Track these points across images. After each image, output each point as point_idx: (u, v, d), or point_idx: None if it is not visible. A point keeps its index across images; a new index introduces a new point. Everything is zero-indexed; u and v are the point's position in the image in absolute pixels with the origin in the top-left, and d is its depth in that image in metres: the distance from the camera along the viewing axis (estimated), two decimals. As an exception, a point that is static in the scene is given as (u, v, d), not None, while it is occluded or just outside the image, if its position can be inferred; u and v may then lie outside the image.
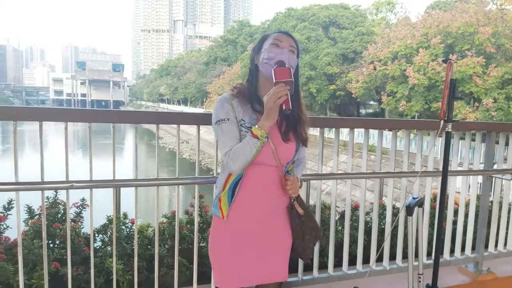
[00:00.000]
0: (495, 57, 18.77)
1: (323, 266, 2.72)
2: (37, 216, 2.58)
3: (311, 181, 2.61)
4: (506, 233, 3.19)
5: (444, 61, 1.88)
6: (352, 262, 2.75)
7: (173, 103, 67.63)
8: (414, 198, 1.98)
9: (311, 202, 3.27)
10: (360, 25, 29.63)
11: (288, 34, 1.75)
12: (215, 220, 1.77)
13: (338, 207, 2.80)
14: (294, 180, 1.73)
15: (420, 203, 2.02)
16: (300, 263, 2.52)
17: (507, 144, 3.11)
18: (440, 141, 2.89)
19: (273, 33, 1.75)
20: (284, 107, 1.53)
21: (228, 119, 1.64)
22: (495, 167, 3.17)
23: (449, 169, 2.27)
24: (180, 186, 2.23)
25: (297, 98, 1.72)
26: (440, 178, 2.52)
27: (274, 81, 1.54)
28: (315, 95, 28.10)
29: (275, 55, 1.63)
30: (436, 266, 2.13)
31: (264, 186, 1.70)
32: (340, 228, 3.11)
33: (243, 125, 1.64)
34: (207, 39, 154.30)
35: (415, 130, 2.96)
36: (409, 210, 1.99)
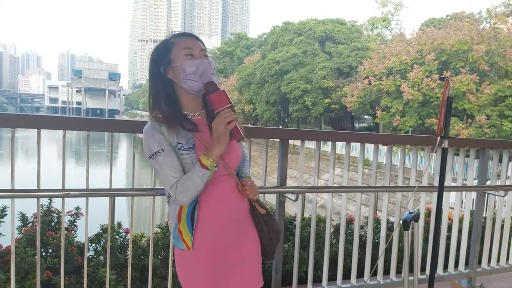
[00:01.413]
0: (488, 74, 19.02)
1: (317, 280, 2.72)
2: (30, 224, 2.56)
3: (306, 194, 2.62)
4: (499, 249, 3.21)
5: (441, 79, 1.91)
6: (346, 276, 2.74)
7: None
8: (410, 213, 1.99)
9: (306, 215, 3.28)
10: (356, 40, 29.97)
11: (193, 36, 1.61)
12: (179, 254, 1.60)
13: (333, 220, 2.81)
14: (251, 182, 1.63)
15: (416, 218, 2.03)
16: (294, 277, 2.51)
17: (500, 160, 3.15)
18: (434, 157, 2.92)
19: (175, 39, 1.58)
20: (237, 137, 1.47)
21: (162, 150, 1.48)
22: (488, 183, 3.20)
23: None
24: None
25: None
26: (433, 193, 2.54)
27: (215, 111, 1.45)
28: (310, 108, 28.28)
29: (196, 69, 1.51)
30: (431, 281, 2.13)
31: (224, 199, 1.58)
32: (334, 241, 3.11)
33: (181, 148, 1.50)
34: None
35: (409, 145, 2.99)
36: (406, 224, 1.99)
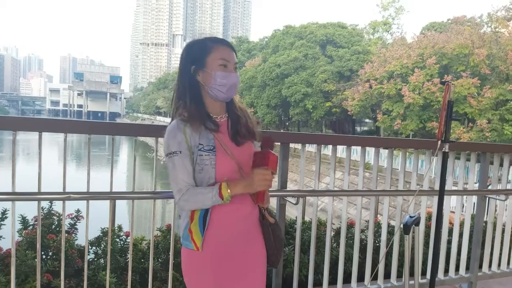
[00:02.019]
0: (489, 78, 19.03)
1: (317, 283, 2.71)
2: (31, 227, 2.56)
3: (306, 197, 2.62)
4: (500, 253, 3.20)
5: (442, 83, 1.91)
6: (347, 280, 2.74)
7: (170, 116, 67.63)
8: (411, 217, 1.99)
9: (307, 218, 3.27)
10: (357, 44, 30.02)
11: (231, 46, 1.63)
12: (186, 254, 1.61)
13: (334, 224, 2.81)
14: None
15: (417, 222, 2.03)
16: (295, 281, 2.51)
17: (501, 164, 3.15)
18: (435, 160, 2.92)
19: (214, 44, 1.59)
20: (257, 201, 1.53)
21: (180, 152, 1.51)
22: (489, 187, 3.20)
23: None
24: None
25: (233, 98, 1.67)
26: (434, 197, 2.53)
27: (266, 165, 1.49)
28: (311, 111, 28.30)
29: (226, 82, 1.56)
30: (432, 285, 2.12)
31: (236, 205, 1.57)
32: (335, 245, 3.10)
33: (202, 149, 1.53)
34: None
35: (410, 149, 2.99)
36: (406, 228, 1.99)
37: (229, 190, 1.47)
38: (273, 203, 2.54)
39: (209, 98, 1.61)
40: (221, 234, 1.58)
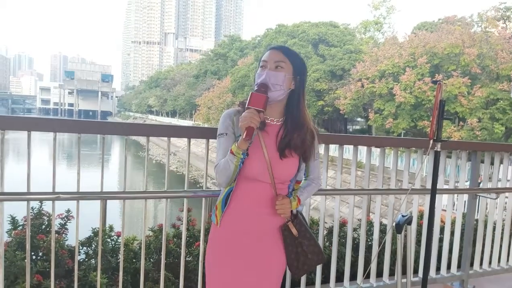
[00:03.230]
0: (479, 78, 19.23)
1: (310, 283, 2.71)
2: (20, 227, 2.53)
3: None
4: (491, 251, 3.23)
5: (434, 82, 1.92)
6: (339, 278, 2.74)
7: (162, 115, 67.44)
8: (403, 216, 1.99)
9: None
10: (349, 43, 30.13)
11: (277, 48, 1.71)
12: (212, 227, 1.80)
13: (326, 222, 2.81)
14: (285, 201, 1.66)
15: (409, 221, 2.03)
16: (288, 280, 2.50)
17: (492, 163, 3.17)
18: (425, 159, 2.93)
19: (266, 50, 1.73)
20: (245, 137, 1.54)
21: (226, 134, 1.68)
22: (480, 185, 3.22)
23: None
24: (168, 199, 2.21)
25: (298, 106, 1.70)
26: (426, 196, 2.54)
27: (247, 105, 1.56)
28: (304, 110, 28.34)
29: (257, 79, 1.66)
30: (424, 283, 2.13)
31: (255, 201, 1.69)
32: (327, 244, 3.11)
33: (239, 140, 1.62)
34: (197, 52, 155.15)
35: (401, 148, 3.00)
36: (399, 227, 1.99)
37: (235, 144, 1.58)
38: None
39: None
40: (236, 219, 1.70)
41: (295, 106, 1.70)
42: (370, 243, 3.21)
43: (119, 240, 2.72)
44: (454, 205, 3.27)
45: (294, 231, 1.70)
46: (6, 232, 2.47)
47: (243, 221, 1.70)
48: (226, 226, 1.72)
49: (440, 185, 2.90)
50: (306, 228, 1.75)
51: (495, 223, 3.30)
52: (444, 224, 3.11)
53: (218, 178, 1.66)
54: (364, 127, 31.76)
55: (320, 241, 2.60)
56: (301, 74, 1.71)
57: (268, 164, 1.63)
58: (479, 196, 3.13)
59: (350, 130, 35.61)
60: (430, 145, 2.02)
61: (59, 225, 2.66)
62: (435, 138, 2.00)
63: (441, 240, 3.07)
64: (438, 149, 2.06)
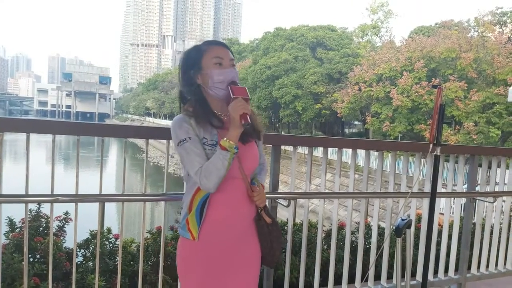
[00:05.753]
0: (476, 82, 19.31)
1: (308, 285, 2.71)
2: (18, 229, 2.51)
3: (297, 199, 2.61)
4: (489, 255, 3.24)
5: (434, 87, 1.94)
6: (338, 281, 2.74)
7: (160, 117, 67.37)
8: (403, 220, 1.99)
9: (298, 220, 3.27)
10: (346, 47, 30.24)
11: (223, 45, 1.69)
12: (183, 242, 1.67)
13: (325, 225, 2.81)
14: (260, 190, 1.68)
15: (408, 225, 2.04)
16: (286, 283, 2.50)
17: (489, 167, 3.18)
18: (423, 162, 2.94)
19: (206, 46, 1.66)
20: (243, 122, 1.53)
21: (189, 138, 1.57)
22: (477, 189, 3.23)
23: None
24: (166, 202, 2.21)
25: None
26: (424, 199, 2.54)
27: (232, 95, 1.56)
28: (301, 113, 28.41)
29: (223, 78, 1.60)
30: (423, 287, 2.13)
31: (233, 201, 1.64)
32: (326, 247, 3.11)
33: (205, 143, 1.59)
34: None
35: (399, 151, 3.01)
36: (398, 231, 2.00)
37: (225, 139, 1.53)
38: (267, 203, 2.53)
39: (213, 98, 1.66)
40: (218, 229, 1.62)
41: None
42: (368, 246, 3.21)
43: (117, 243, 2.71)
44: (451, 208, 3.28)
45: (267, 219, 1.71)
46: (4, 234, 2.46)
47: (225, 228, 1.63)
48: (207, 238, 1.61)
49: (438, 188, 2.91)
50: (272, 215, 1.77)
51: (492, 227, 3.31)
52: (442, 227, 3.12)
53: (207, 183, 1.53)
54: (362, 130, 31.85)
55: (318, 244, 2.60)
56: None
57: (237, 159, 1.60)
58: (477, 199, 3.14)
59: (347, 133, 35.68)
60: (430, 149, 2.02)
61: (57, 227, 2.65)
62: (435, 142, 2.01)
63: (438, 244, 3.08)
64: (438, 153, 2.07)
